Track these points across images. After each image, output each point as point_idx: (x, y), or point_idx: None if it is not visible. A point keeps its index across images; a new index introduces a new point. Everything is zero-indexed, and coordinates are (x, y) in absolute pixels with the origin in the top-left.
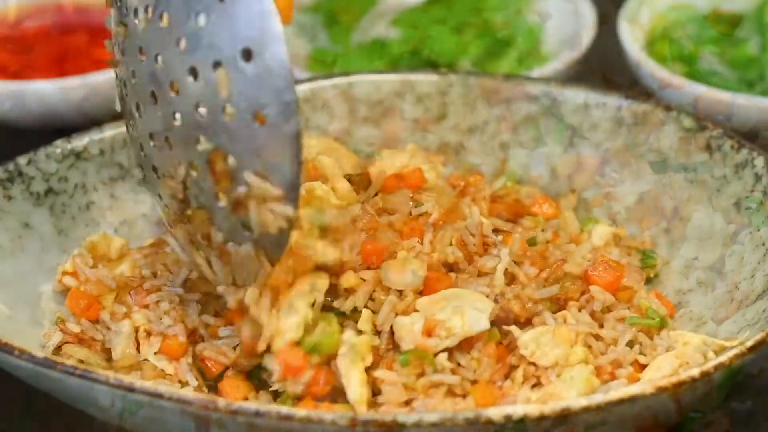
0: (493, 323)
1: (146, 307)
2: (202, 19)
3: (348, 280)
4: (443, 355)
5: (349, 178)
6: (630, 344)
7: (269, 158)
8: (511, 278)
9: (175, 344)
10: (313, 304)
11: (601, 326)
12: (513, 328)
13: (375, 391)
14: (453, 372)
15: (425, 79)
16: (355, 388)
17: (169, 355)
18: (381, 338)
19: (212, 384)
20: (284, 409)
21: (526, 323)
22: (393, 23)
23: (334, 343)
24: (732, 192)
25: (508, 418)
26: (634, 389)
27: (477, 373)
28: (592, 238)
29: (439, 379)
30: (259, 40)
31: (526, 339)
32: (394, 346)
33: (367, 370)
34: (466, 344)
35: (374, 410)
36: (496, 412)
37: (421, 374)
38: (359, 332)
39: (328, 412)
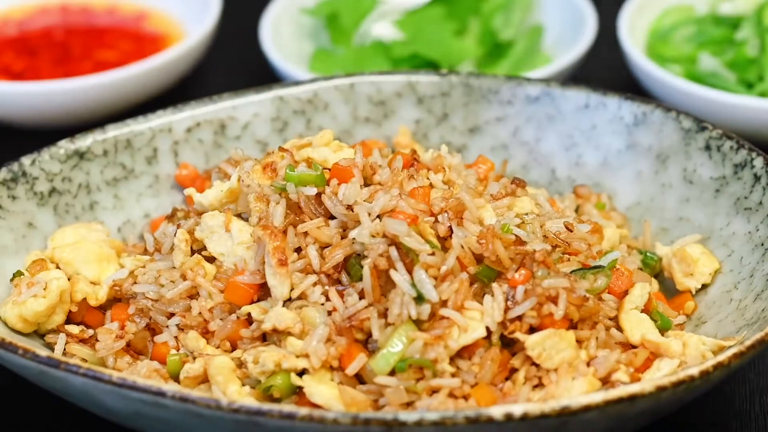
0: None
1: (140, 312)
2: None
3: None
4: (444, 360)
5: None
6: None
7: None
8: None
9: (166, 351)
10: None
11: (607, 330)
12: (518, 334)
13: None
14: (453, 376)
15: (426, 80)
16: (330, 400)
17: (161, 362)
18: None
19: None
20: (286, 408)
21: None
22: (394, 25)
23: (287, 385)
24: (731, 192)
25: (508, 416)
26: (634, 388)
27: (478, 376)
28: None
29: (438, 383)
30: None
31: (533, 341)
32: None
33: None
34: (466, 351)
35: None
36: (496, 411)
37: (422, 379)
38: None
39: (330, 411)
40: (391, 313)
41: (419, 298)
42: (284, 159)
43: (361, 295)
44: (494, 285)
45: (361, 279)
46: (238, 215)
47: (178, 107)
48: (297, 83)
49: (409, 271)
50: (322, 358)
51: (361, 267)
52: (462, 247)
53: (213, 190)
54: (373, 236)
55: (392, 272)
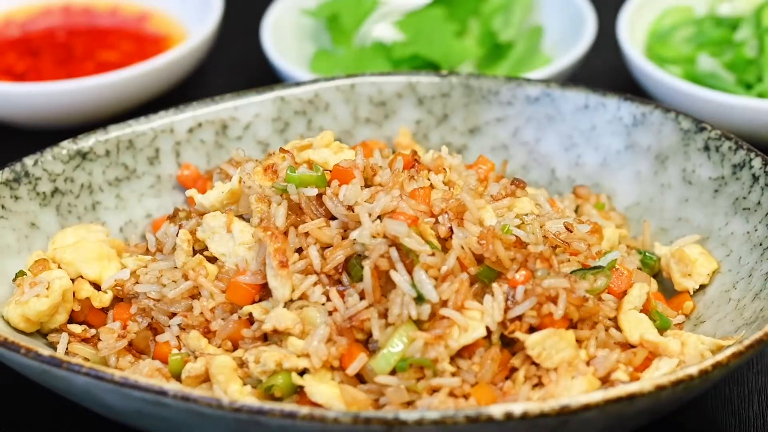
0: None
1: (141, 312)
2: None
3: None
4: (445, 360)
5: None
6: None
7: None
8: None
9: (167, 351)
10: None
11: (607, 330)
12: (518, 334)
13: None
14: (454, 375)
15: (427, 81)
16: (331, 399)
17: (163, 362)
18: None
19: None
20: (287, 407)
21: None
22: (395, 26)
23: (288, 385)
24: (730, 192)
25: (508, 415)
26: (633, 387)
27: (478, 376)
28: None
29: (439, 383)
30: None
31: (533, 340)
32: None
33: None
34: (466, 351)
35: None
36: (496, 410)
37: (422, 378)
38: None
39: (331, 410)
40: (391, 313)
41: (419, 299)
42: (285, 160)
43: (362, 296)
44: (494, 285)
45: (361, 279)
46: (240, 216)
47: (179, 108)
48: (298, 84)
49: (410, 272)
50: (323, 358)
51: (362, 267)
52: (462, 248)
53: (214, 191)
54: (374, 237)
55: (392, 273)
